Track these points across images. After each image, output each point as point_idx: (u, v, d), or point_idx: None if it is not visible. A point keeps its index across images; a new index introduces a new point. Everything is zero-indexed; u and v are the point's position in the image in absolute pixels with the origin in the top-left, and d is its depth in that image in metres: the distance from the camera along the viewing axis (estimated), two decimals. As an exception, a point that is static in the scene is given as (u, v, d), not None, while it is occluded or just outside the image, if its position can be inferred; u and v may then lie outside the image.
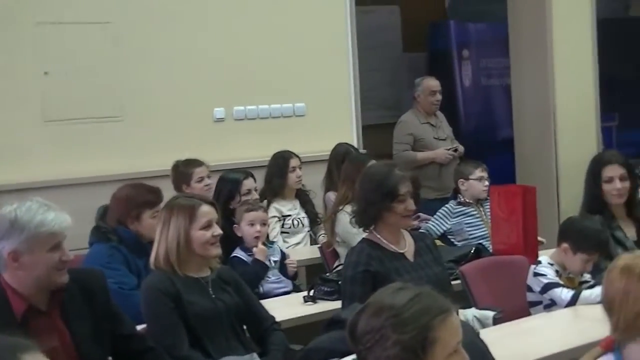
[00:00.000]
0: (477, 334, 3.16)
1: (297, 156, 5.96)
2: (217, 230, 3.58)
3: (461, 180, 5.68)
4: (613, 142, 10.69)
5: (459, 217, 5.59)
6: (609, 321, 2.21)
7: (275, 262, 4.78)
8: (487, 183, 5.62)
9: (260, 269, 4.65)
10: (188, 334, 3.44)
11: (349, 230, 4.66)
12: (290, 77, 6.64)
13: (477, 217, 5.55)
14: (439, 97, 7.07)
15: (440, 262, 4.00)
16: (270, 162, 6.00)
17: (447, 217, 5.62)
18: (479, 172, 5.66)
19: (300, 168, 5.95)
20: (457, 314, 3.61)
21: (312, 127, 6.70)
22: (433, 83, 7.09)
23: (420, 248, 3.93)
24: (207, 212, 3.58)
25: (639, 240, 4.44)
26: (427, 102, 7.04)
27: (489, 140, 9.69)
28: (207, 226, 3.56)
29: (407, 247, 3.89)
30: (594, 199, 4.51)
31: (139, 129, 5.98)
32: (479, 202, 5.63)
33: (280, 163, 5.93)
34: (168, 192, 4.62)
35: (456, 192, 5.82)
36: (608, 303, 2.21)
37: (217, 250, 3.60)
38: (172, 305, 3.43)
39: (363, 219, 3.86)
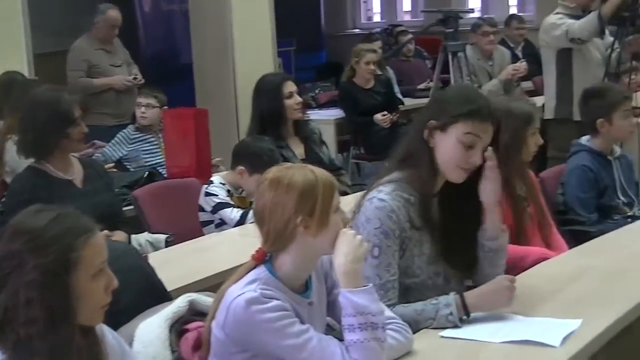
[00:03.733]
0: (144, 258, 3.14)
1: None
2: None
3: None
4: (292, 67, 11.03)
5: (137, 144, 5.51)
6: (260, 233, 2.25)
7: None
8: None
9: None
10: None
11: (18, 159, 4.45)
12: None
13: (155, 144, 5.48)
14: (117, 31, 6.88)
15: (111, 188, 3.95)
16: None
17: (124, 143, 5.51)
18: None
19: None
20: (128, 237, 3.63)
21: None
22: (115, 16, 6.82)
23: (90, 175, 3.86)
24: None
25: (306, 158, 4.59)
26: (104, 33, 6.82)
27: (171, 67, 9.64)
28: None
29: (76, 173, 3.80)
30: (271, 116, 4.59)
31: None
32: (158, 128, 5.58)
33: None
34: None
35: (135, 117, 5.73)
36: (259, 215, 2.24)
37: None
38: None
39: (38, 150, 3.71)
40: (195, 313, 2.41)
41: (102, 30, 6.82)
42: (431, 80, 8.20)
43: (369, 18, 13.34)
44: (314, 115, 7.41)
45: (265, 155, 4.02)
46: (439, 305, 2.55)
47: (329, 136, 7.08)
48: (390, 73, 8.49)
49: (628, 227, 3.57)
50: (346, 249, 2.19)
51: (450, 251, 2.68)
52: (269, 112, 4.59)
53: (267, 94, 4.63)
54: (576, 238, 3.69)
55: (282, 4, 8.35)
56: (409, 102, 7.93)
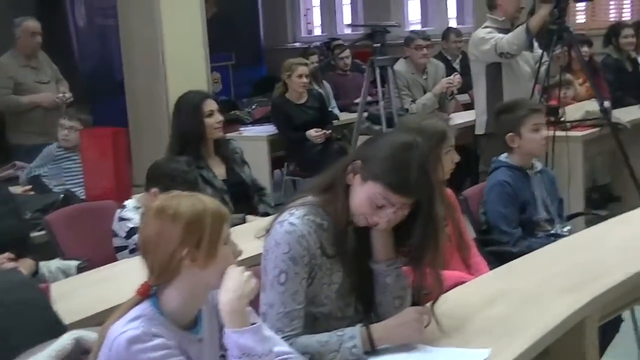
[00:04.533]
0: (41, 290, 2.98)
1: None
2: None
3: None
4: (230, 81, 10.92)
5: (60, 162, 5.39)
6: (145, 266, 2.13)
7: None
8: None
9: None
10: None
11: None
12: None
13: (78, 163, 5.32)
14: (39, 39, 6.72)
15: (18, 214, 3.79)
16: None
17: (46, 160, 5.38)
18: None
19: None
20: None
21: None
22: (32, 24, 6.70)
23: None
24: None
25: (227, 178, 4.46)
26: (27, 45, 6.68)
27: (106, 83, 9.48)
28: None
29: (-22, 200, 3.64)
30: (190, 135, 4.44)
31: None
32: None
33: None
34: None
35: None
36: (143, 246, 2.12)
37: None
38: None
39: None
40: (82, 351, 2.28)
41: (24, 42, 6.68)
42: (369, 95, 8.12)
43: (310, 31, 13.24)
44: (247, 131, 7.34)
45: (179, 176, 3.87)
46: (343, 337, 2.44)
47: (262, 152, 6.98)
48: (327, 87, 8.41)
49: (547, 248, 3.48)
50: (232, 285, 2.07)
51: (360, 282, 2.58)
52: (188, 131, 4.44)
53: (186, 112, 4.48)
54: (499, 257, 3.61)
55: (220, 17, 8.22)
56: (345, 116, 7.84)
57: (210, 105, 4.47)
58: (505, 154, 4.08)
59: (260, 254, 2.59)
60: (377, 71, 5.66)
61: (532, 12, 5.41)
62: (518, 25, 5.52)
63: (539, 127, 4.02)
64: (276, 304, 2.45)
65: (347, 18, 12.88)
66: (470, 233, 3.71)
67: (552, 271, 3.12)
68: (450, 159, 3.41)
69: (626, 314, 3.83)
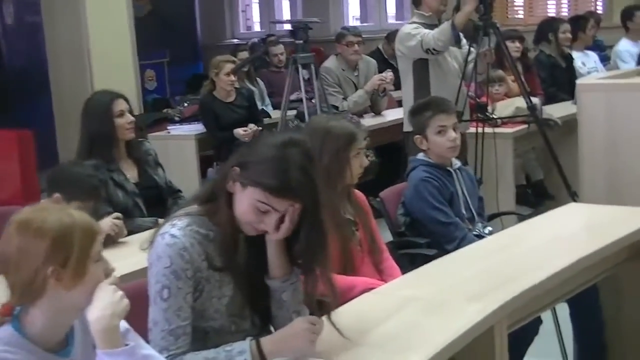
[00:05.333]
0: None
1: None
2: None
3: None
4: (165, 79, 10.72)
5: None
6: (7, 284, 1.97)
7: None
8: None
9: None
10: None
11: None
12: None
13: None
14: None
15: None
16: None
17: None
18: None
19: None
20: None
21: None
22: None
23: None
24: None
25: (140, 181, 4.28)
26: None
27: (37, 81, 9.23)
28: None
29: None
30: (100, 137, 4.24)
31: None
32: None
33: None
34: None
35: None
36: (4, 263, 1.96)
37: None
38: None
39: None
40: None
41: None
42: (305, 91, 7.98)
43: (249, 28, 13.07)
44: (175, 130, 7.15)
45: (81, 181, 3.67)
46: (232, 352, 2.30)
47: (190, 151, 6.81)
48: (261, 85, 8.25)
49: (461, 251, 3.36)
50: (103, 303, 1.92)
51: (253, 295, 2.44)
52: (97, 133, 4.21)
53: (95, 113, 4.25)
54: (413, 260, 3.51)
55: (155, 15, 8.03)
56: (278, 114, 7.64)
57: (121, 105, 4.25)
58: (422, 153, 3.95)
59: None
60: (300, 69, 5.52)
61: (458, 8, 5.30)
62: (445, 21, 5.40)
63: (444, 129, 3.86)
64: (160, 321, 2.30)
65: (286, 14, 12.72)
66: (383, 237, 3.57)
67: (463, 276, 3.00)
68: (359, 163, 3.27)
69: (547, 315, 3.75)
